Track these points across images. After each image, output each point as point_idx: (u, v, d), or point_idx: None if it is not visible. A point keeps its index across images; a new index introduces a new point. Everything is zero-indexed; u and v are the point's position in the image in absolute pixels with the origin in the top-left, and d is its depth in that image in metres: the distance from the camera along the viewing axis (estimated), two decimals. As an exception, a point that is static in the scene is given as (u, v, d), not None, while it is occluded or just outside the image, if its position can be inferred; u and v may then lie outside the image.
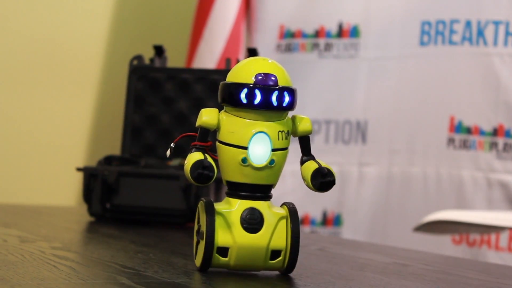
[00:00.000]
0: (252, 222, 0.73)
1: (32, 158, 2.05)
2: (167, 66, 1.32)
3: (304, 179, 0.75)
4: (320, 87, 1.93)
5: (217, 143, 0.75)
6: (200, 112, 0.75)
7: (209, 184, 0.71)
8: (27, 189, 2.03)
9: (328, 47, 1.96)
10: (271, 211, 0.75)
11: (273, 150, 0.74)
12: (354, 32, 1.97)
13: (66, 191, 2.04)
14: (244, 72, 0.74)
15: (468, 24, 1.83)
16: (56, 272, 0.68)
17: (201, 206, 0.74)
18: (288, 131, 0.75)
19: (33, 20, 2.06)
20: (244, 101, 0.73)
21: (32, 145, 2.06)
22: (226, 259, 0.73)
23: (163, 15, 2.19)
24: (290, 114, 0.77)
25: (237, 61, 1.31)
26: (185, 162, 0.72)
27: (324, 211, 1.94)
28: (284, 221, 0.74)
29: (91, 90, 2.12)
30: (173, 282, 0.66)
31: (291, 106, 0.74)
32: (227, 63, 1.29)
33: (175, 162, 1.23)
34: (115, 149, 1.49)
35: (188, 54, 2.02)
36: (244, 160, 0.73)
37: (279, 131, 0.74)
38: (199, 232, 0.74)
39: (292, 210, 0.75)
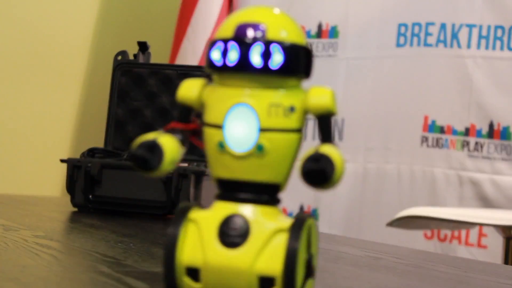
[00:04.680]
0: (232, 233, 0.50)
1: (18, 149, 2.06)
2: (150, 61, 1.32)
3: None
4: (299, 85, 1.95)
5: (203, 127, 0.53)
6: (181, 84, 0.54)
7: (151, 174, 0.49)
8: (12, 179, 2.04)
9: (307, 46, 1.99)
10: (266, 220, 0.51)
11: (262, 130, 0.51)
12: (333, 32, 1.99)
13: (51, 182, 2.04)
14: (225, 24, 0.52)
15: (443, 27, 1.85)
16: (38, 260, 0.68)
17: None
18: (292, 107, 0.51)
19: (19, 16, 2.06)
20: (218, 62, 0.51)
21: (18, 137, 2.06)
22: (200, 285, 0.51)
23: (148, 12, 2.20)
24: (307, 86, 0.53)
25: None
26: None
27: (301, 206, 1.96)
28: (283, 236, 0.50)
29: (76, 84, 2.12)
30: (152, 271, 0.66)
31: (286, 68, 0.50)
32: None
33: None
34: (99, 142, 1.50)
35: (171, 51, 2.03)
36: (221, 146, 0.51)
37: (272, 104, 0.51)
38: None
39: (296, 222, 0.50)
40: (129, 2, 2.19)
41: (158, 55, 1.79)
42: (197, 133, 0.53)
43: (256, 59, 0.50)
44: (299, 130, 0.52)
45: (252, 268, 0.50)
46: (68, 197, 1.22)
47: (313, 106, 0.52)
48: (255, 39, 0.50)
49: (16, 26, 2.06)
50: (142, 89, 1.30)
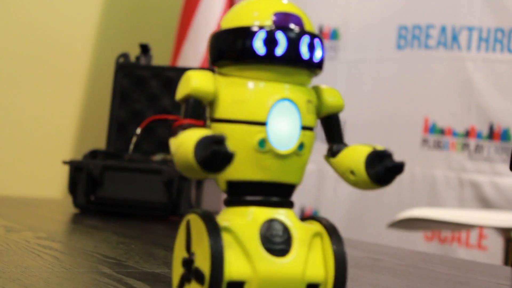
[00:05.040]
0: (277, 240, 0.47)
1: (20, 151, 2.07)
2: (152, 64, 1.34)
3: (350, 171, 0.48)
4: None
5: (213, 124, 0.48)
6: (186, 75, 0.48)
7: (224, 170, 0.42)
8: (14, 180, 2.05)
9: (309, 48, 1.99)
10: (299, 224, 0.48)
11: (303, 128, 0.48)
12: (334, 35, 2.00)
13: (53, 184, 2.05)
14: (253, 11, 0.47)
15: (443, 29, 1.86)
16: (40, 261, 0.69)
17: (192, 221, 0.46)
18: (315, 104, 0.49)
19: (23, 18, 2.07)
20: (261, 51, 0.46)
21: (21, 139, 2.07)
22: None
23: (150, 14, 2.21)
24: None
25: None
26: (175, 145, 0.44)
27: (302, 207, 1.97)
28: (318, 240, 0.48)
29: (79, 86, 2.13)
30: (153, 272, 0.66)
31: (322, 63, 0.48)
32: (210, 63, 1.31)
33: (158, 157, 1.26)
34: (101, 143, 1.51)
35: (173, 53, 2.04)
36: (262, 144, 0.46)
37: (308, 100, 0.48)
38: (190, 262, 0.46)
39: (330, 226, 0.48)
40: (131, 5, 2.20)
41: (160, 57, 1.79)
42: None
43: (305, 51, 0.47)
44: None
45: (303, 276, 0.47)
46: (70, 199, 1.23)
47: (331, 104, 0.50)
48: (302, 31, 0.47)
49: (18, 28, 2.07)
50: (143, 91, 1.31)
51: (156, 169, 1.18)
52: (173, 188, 1.17)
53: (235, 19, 0.48)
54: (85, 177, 1.20)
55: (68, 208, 1.24)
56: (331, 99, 0.50)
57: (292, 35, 0.46)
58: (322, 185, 1.94)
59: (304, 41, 0.47)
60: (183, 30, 2.01)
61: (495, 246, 1.67)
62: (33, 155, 2.07)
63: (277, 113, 0.47)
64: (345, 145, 0.50)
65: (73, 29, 2.12)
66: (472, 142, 1.81)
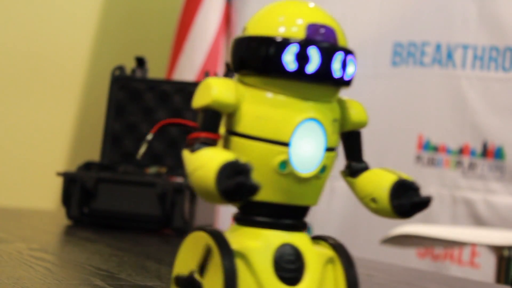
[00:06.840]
0: (290, 267, 0.44)
1: (14, 162, 2.07)
2: (147, 77, 1.34)
3: (371, 198, 0.47)
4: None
5: (231, 137, 0.44)
6: (206, 83, 0.43)
7: (245, 201, 0.40)
8: (8, 191, 2.05)
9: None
10: (313, 249, 0.46)
11: (327, 149, 0.46)
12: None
13: (46, 195, 2.05)
14: (283, 19, 0.44)
15: (438, 47, 1.87)
16: (32, 272, 0.69)
17: (199, 240, 0.44)
18: (340, 122, 0.47)
19: (18, 29, 2.08)
20: (292, 66, 0.43)
21: (15, 150, 2.07)
22: None
23: (146, 27, 2.21)
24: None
25: (215, 75, 1.34)
26: (193, 165, 0.41)
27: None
28: (330, 266, 0.47)
29: (74, 98, 2.14)
30: (146, 285, 0.66)
31: (352, 80, 0.46)
32: (206, 76, 1.32)
33: (152, 170, 1.26)
34: (95, 155, 1.51)
35: (168, 66, 2.04)
36: (283, 166, 0.44)
37: (334, 119, 0.46)
38: (192, 282, 0.43)
39: (340, 248, 0.47)
40: (127, 17, 2.20)
41: (156, 70, 1.80)
42: (214, 145, 0.43)
43: (337, 68, 0.44)
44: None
45: None
46: (63, 210, 1.23)
47: (355, 121, 0.48)
48: (337, 46, 0.44)
49: (13, 40, 2.07)
50: (138, 104, 1.31)
51: (150, 182, 1.19)
52: (167, 201, 1.17)
53: (263, 25, 0.44)
54: (78, 189, 1.20)
55: (61, 219, 1.24)
56: (355, 114, 0.48)
57: (325, 51, 0.43)
58: (316, 200, 1.95)
59: (338, 58, 0.44)
60: (179, 43, 2.02)
61: (488, 263, 1.67)
62: (27, 166, 2.07)
63: (301, 133, 0.44)
64: (364, 164, 0.49)
65: (68, 41, 2.13)
66: (466, 159, 1.81)
